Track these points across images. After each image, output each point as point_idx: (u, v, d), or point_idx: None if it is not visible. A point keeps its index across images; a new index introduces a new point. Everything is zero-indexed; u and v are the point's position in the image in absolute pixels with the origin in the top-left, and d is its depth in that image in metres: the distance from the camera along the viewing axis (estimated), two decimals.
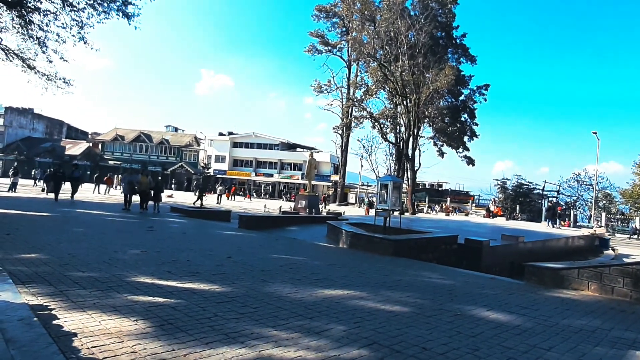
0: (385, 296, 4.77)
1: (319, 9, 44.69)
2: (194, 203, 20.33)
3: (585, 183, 41.25)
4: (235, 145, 56.93)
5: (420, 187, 46.62)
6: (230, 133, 58.35)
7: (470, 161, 39.60)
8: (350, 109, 42.99)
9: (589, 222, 31.11)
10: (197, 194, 23.66)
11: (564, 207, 32.71)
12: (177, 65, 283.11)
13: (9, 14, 15.53)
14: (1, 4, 15.06)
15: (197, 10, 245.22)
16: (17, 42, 16.42)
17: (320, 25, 45.62)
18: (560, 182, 41.82)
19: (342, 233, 10.38)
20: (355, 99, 41.00)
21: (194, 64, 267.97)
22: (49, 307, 3.30)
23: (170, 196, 30.32)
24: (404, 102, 31.82)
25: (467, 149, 39.41)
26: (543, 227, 23.91)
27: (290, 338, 3.06)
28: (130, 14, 16.35)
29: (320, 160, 46.42)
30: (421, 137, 36.47)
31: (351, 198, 50.39)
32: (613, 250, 16.80)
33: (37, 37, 16.21)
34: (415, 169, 33.98)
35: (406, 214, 28.17)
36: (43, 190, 21.33)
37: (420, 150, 35.31)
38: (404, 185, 31.04)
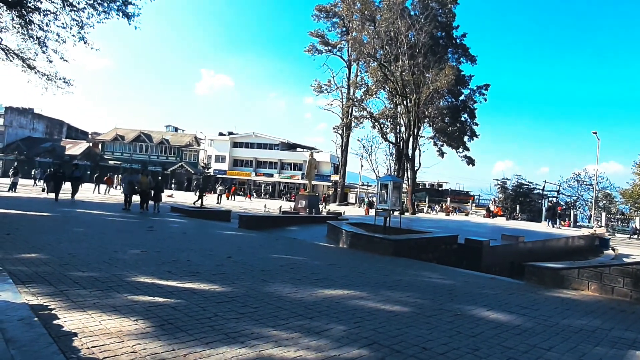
0: (385, 296, 4.77)
1: (319, 8, 44.69)
2: (194, 203, 20.34)
3: (585, 183, 41.28)
4: (236, 145, 56.94)
5: (420, 187, 46.62)
6: (231, 133, 58.36)
7: (471, 161, 39.61)
8: (350, 109, 42.99)
9: (589, 222, 31.11)
10: (197, 194, 23.66)
11: (564, 207, 32.71)
12: (177, 65, 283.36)
13: (9, 13, 15.54)
14: (1, 4, 15.06)
15: (197, 10, 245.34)
16: (17, 42, 16.44)
17: (321, 25, 45.69)
18: (561, 182, 41.86)
19: (342, 233, 10.38)
20: (355, 99, 41.00)
21: (194, 63, 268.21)
22: (49, 307, 3.30)
23: (171, 196, 30.33)
24: (404, 102, 31.82)
25: (467, 149, 39.45)
26: (543, 227, 23.91)
27: (290, 338, 3.06)
28: (130, 13, 16.37)
29: (320, 160, 46.42)
30: (421, 137, 36.53)
31: (351, 198, 50.40)
32: (613, 250, 16.79)
33: (37, 37, 16.22)
34: (416, 168, 33.98)
35: (406, 214, 28.17)
36: (43, 190, 21.32)
37: (420, 150, 35.36)
38: (404, 185, 31.04)
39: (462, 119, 39.08)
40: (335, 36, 45.84)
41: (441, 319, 3.92)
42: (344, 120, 44.26)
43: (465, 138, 39.17)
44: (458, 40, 37.84)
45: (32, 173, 34.74)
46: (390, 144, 37.60)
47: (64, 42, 16.57)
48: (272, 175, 55.18)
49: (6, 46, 16.38)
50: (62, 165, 29.14)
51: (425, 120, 35.65)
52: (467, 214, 35.94)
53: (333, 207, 34.69)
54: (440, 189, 50.46)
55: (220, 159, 56.40)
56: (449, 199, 43.01)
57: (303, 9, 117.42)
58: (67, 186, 18.26)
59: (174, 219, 13.97)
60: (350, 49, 43.34)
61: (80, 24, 16.13)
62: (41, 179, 27.78)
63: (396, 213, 11.97)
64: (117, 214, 13.63)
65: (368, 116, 38.71)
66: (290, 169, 54.86)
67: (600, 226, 26.50)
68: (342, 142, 46.84)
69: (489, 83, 42.28)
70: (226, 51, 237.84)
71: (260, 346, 2.84)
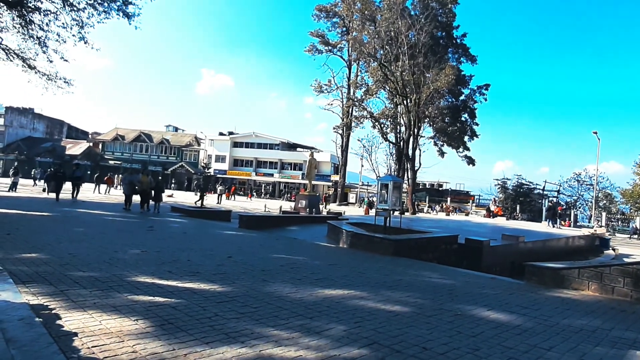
0: (385, 296, 4.77)
1: (319, 8, 44.69)
2: (195, 203, 20.33)
3: (585, 183, 41.25)
4: (236, 145, 56.96)
5: (420, 187, 46.64)
6: (231, 133, 58.37)
7: (471, 161, 39.63)
8: (350, 109, 42.99)
9: (589, 222, 31.11)
10: (198, 193, 23.66)
11: (565, 207, 32.71)
12: (178, 65, 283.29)
13: (9, 13, 15.55)
14: (2, 4, 15.07)
15: (198, 9, 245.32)
16: (18, 42, 16.46)
17: (321, 25, 45.68)
18: (561, 182, 41.85)
19: (342, 233, 10.38)
20: (355, 99, 41.00)
21: (195, 63, 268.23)
22: (49, 307, 3.30)
23: (171, 196, 30.34)
24: (404, 101, 31.82)
25: (468, 149, 39.47)
26: (543, 227, 23.91)
27: (290, 338, 3.06)
28: (130, 13, 16.39)
29: (320, 160, 46.40)
30: (421, 136, 36.53)
31: (351, 198, 50.40)
32: (613, 250, 16.80)
33: (37, 37, 16.23)
34: (416, 168, 33.98)
35: (406, 213, 28.16)
36: (44, 190, 21.34)
37: (420, 150, 35.37)
38: (404, 185, 31.03)
39: (463, 118, 39.11)
40: (335, 36, 45.92)
41: (441, 319, 3.92)
42: (344, 120, 44.26)
43: (466, 138, 39.19)
44: (458, 40, 37.86)
45: (32, 173, 34.74)
46: (391, 144, 37.63)
47: (64, 42, 16.60)
48: (272, 175, 55.19)
49: (6, 46, 16.40)
50: (63, 165, 29.16)
51: (426, 120, 35.66)
52: (467, 214, 35.94)
53: (333, 207, 34.70)
54: (440, 188, 50.47)
55: (220, 158, 56.41)
56: (449, 198, 43.01)
57: (303, 9, 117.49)
58: (67, 186, 18.27)
59: (174, 218, 13.97)
60: (350, 48, 43.34)
61: (80, 24, 16.15)
62: (41, 179, 27.80)
63: (396, 213, 11.97)
64: (118, 213, 13.64)
65: (368, 116, 38.72)
66: (291, 169, 54.86)
67: (601, 226, 26.50)
68: (343, 142, 46.84)
69: (489, 83, 42.30)
70: (226, 51, 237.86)
71: (260, 346, 2.84)
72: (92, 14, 16.07)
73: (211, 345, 2.79)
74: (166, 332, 2.97)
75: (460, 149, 39.13)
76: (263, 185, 55.67)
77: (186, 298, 3.93)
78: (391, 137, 37.96)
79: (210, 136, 58.52)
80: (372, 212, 21.09)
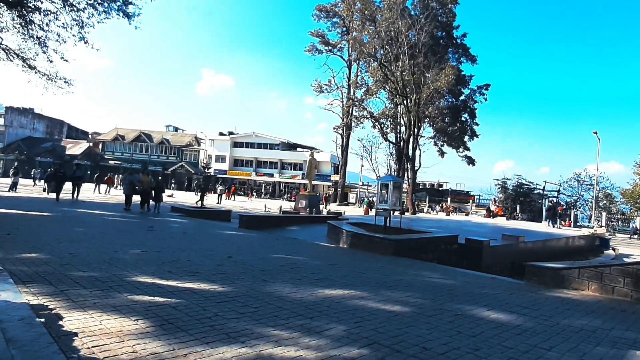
0: (385, 296, 4.77)
1: (319, 8, 44.69)
2: (196, 202, 20.29)
3: (585, 183, 41.25)
4: (236, 145, 56.96)
5: (420, 187, 46.63)
6: (231, 133, 58.37)
7: (471, 161, 39.64)
8: (350, 109, 42.99)
9: (589, 222, 31.10)
10: (199, 193, 23.65)
11: (565, 207, 32.71)
12: (178, 65, 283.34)
13: (9, 13, 15.55)
14: (2, 4, 15.07)
15: (198, 9, 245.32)
16: (18, 42, 16.47)
17: (321, 25, 45.69)
18: (561, 182, 41.84)
19: (342, 233, 10.38)
20: (355, 99, 41.01)
21: (195, 63, 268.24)
22: (49, 307, 3.30)
23: (171, 196, 30.35)
24: (405, 101, 31.82)
25: (468, 149, 39.49)
26: (543, 227, 23.90)
27: (290, 338, 3.06)
28: (130, 13, 16.39)
29: (320, 160, 46.39)
30: (421, 136, 36.55)
31: (351, 198, 50.40)
32: (613, 250, 16.80)
33: (37, 37, 16.23)
34: (416, 168, 33.98)
35: (406, 213, 28.16)
36: (44, 190, 21.35)
37: (420, 150, 35.38)
38: (405, 185, 31.03)
39: (463, 118, 39.12)
40: (335, 36, 45.93)
41: (441, 319, 3.92)
42: (344, 120, 44.26)
43: (466, 138, 39.20)
44: (458, 40, 37.88)
45: (32, 173, 34.74)
46: (391, 144, 37.63)
47: (65, 42, 16.61)
48: (272, 175, 55.19)
49: (7, 46, 16.40)
50: (63, 165, 29.16)
51: (426, 120, 35.66)
52: (467, 214, 35.93)
53: (333, 207, 34.69)
54: (440, 188, 50.46)
55: (220, 158, 56.41)
56: (449, 198, 43.00)
57: (303, 9, 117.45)
58: (67, 186, 18.26)
59: (174, 218, 13.97)
60: (350, 48, 43.35)
61: (80, 24, 16.15)
62: (41, 178, 27.81)
63: (396, 213, 11.96)
64: (118, 213, 13.64)
65: (368, 116, 38.73)
66: (291, 169, 54.86)
67: (601, 226, 26.50)
68: (343, 142, 46.84)
69: (489, 83, 42.33)
70: (227, 51, 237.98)
71: (260, 346, 2.84)
72: (92, 14, 16.09)
73: (211, 345, 2.79)
74: (166, 332, 2.97)
75: (461, 149, 39.14)
76: (263, 185, 55.67)
77: (186, 298, 3.93)
78: (391, 137, 38.02)
79: (210, 136, 58.53)
80: (372, 212, 21.09)
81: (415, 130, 32.96)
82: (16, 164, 32.27)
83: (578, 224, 29.66)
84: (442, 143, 39.93)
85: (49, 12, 15.82)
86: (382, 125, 37.44)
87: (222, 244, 8.78)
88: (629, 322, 4.40)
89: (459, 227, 18.72)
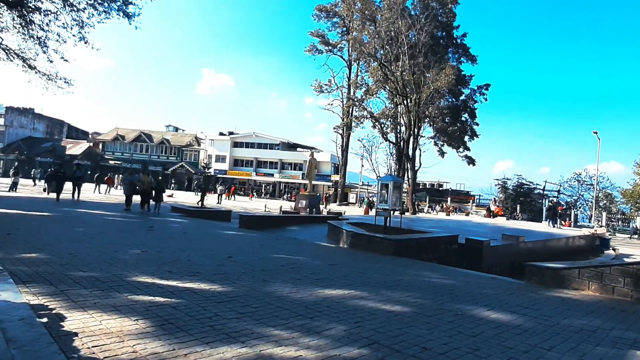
0: (385, 296, 4.77)
1: (319, 8, 44.68)
2: (197, 202, 20.25)
3: (585, 183, 41.23)
4: (236, 145, 56.95)
5: (420, 187, 46.62)
6: (231, 133, 58.37)
7: (471, 161, 39.64)
8: (350, 109, 42.99)
9: (589, 222, 31.08)
10: (199, 193, 23.62)
11: (565, 206, 32.70)
12: (178, 65, 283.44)
13: (9, 13, 15.56)
14: (2, 4, 15.08)
15: (198, 9, 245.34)
16: (18, 42, 16.48)
17: (321, 25, 45.69)
18: (561, 182, 41.83)
19: (342, 233, 10.37)
20: (355, 99, 41.00)
21: (195, 63, 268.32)
22: (49, 307, 3.30)
23: (171, 196, 30.35)
24: (405, 101, 31.81)
25: (468, 149, 39.48)
26: (544, 226, 23.89)
27: (290, 337, 3.06)
28: (130, 13, 16.40)
29: (320, 160, 46.40)
30: (422, 136, 36.53)
31: (352, 198, 50.40)
32: (614, 250, 16.80)
33: (37, 37, 16.24)
34: (416, 168, 33.97)
35: (407, 213, 28.16)
36: (44, 190, 21.35)
37: (420, 150, 35.36)
38: (405, 185, 31.03)
39: (463, 118, 39.12)
40: (335, 36, 45.92)
41: (442, 319, 3.92)
42: (345, 120, 44.26)
43: (466, 138, 39.20)
44: (458, 40, 37.87)
45: (32, 173, 34.75)
46: (391, 144, 37.60)
47: (65, 42, 16.62)
48: (272, 175, 55.19)
49: (7, 46, 16.41)
50: (63, 165, 29.16)
51: (426, 120, 35.65)
52: (467, 214, 35.93)
53: (333, 207, 34.70)
54: (440, 188, 50.45)
55: (220, 158, 56.41)
56: (449, 198, 42.99)
57: (303, 8, 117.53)
58: (67, 186, 18.26)
59: (175, 218, 13.97)
60: (350, 48, 43.34)
61: (80, 24, 16.16)
62: (41, 178, 27.83)
63: (397, 213, 11.96)
64: (118, 213, 13.64)
65: (368, 116, 38.72)
66: (291, 169, 54.85)
67: (601, 226, 26.49)
68: (343, 142, 46.84)
69: (490, 83, 42.28)
70: (227, 51, 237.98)
71: (260, 346, 2.84)
72: (92, 14, 16.10)
73: (211, 345, 2.79)
74: (166, 332, 2.97)
75: (461, 149, 39.14)
76: (263, 185, 55.67)
77: (186, 298, 3.93)
78: (391, 137, 37.99)
79: (211, 136, 58.52)
80: (372, 212, 21.08)
81: (416, 130, 32.95)
82: (16, 164, 32.29)
83: (578, 224, 29.64)
84: (442, 143, 39.93)
85: (49, 12, 15.84)
86: (382, 125, 37.44)
87: (222, 244, 8.78)
88: (629, 322, 4.40)
89: (459, 227, 18.72)
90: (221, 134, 58.90)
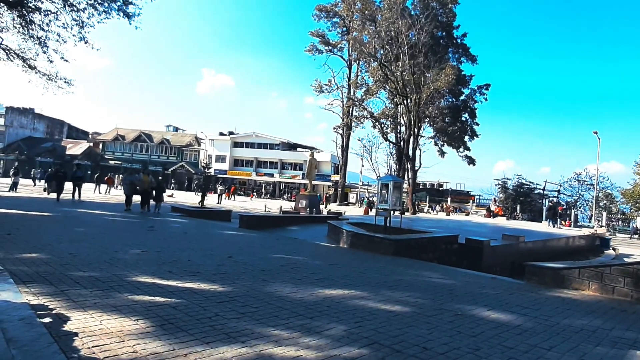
0: (385, 296, 4.77)
1: (319, 8, 44.69)
2: (199, 203, 20.19)
3: (586, 183, 41.18)
4: (236, 145, 56.95)
5: (420, 186, 46.61)
6: (231, 133, 58.36)
7: (471, 161, 39.65)
8: (350, 109, 42.99)
9: (589, 222, 31.07)
10: (200, 193, 23.60)
11: (565, 206, 32.68)
12: (178, 65, 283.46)
13: (9, 13, 15.57)
14: (2, 4, 15.09)
15: (198, 9, 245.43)
16: (18, 42, 16.49)
17: (321, 25, 45.70)
18: (561, 182, 41.80)
19: (342, 233, 10.38)
20: (355, 99, 41.00)
21: (195, 63, 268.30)
22: (50, 307, 3.31)
23: (171, 196, 30.36)
24: (405, 101, 31.81)
25: (468, 149, 39.49)
26: (544, 226, 23.89)
27: (291, 337, 3.06)
28: (130, 13, 16.41)
29: (320, 160, 46.40)
30: (422, 136, 36.54)
31: (352, 198, 50.39)
32: (614, 250, 16.79)
33: (37, 37, 16.25)
34: (416, 168, 33.98)
35: (407, 213, 28.16)
36: (45, 190, 21.35)
37: (420, 150, 35.37)
38: (405, 185, 31.02)
39: (463, 118, 39.13)
40: (335, 36, 45.93)
41: (442, 319, 3.92)
42: (345, 120, 44.26)
43: (466, 138, 39.21)
44: (458, 40, 37.88)
45: (32, 173, 34.74)
46: (391, 144, 37.59)
47: (65, 42, 16.63)
48: (272, 175, 55.19)
49: (7, 46, 16.42)
50: (63, 165, 29.17)
51: (426, 120, 35.66)
52: (467, 214, 35.92)
53: (333, 207, 34.69)
54: (440, 188, 50.44)
55: (220, 158, 56.40)
56: (449, 198, 42.98)
57: (303, 8, 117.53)
58: (67, 186, 18.26)
59: (175, 218, 13.98)
60: (350, 48, 43.34)
61: (80, 24, 16.17)
62: (41, 178, 27.83)
63: (397, 213, 11.96)
64: (118, 214, 13.64)
65: (368, 116, 38.72)
66: (291, 169, 54.85)
67: (601, 226, 26.48)
68: (343, 142, 46.83)
69: (490, 83, 42.30)
70: (227, 51, 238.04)
71: (260, 346, 2.84)
72: (93, 14, 16.11)
73: (211, 345, 2.79)
74: (166, 332, 2.97)
75: (461, 149, 39.15)
76: (263, 185, 55.67)
77: (186, 298, 3.93)
78: (391, 137, 37.98)
79: (211, 136, 58.51)
80: (372, 212, 21.07)
81: (416, 130, 32.95)
82: (16, 164, 32.30)
83: (578, 223, 29.62)
84: (442, 143, 39.94)
85: (49, 12, 15.85)
86: (382, 125, 37.44)
87: (222, 244, 8.78)
88: (629, 322, 4.40)
89: (459, 227, 18.72)
90: (221, 134, 58.89)
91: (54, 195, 17.19)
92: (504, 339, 3.44)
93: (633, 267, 5.61)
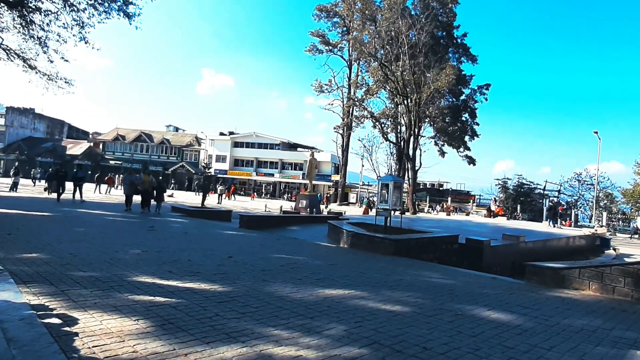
0: (386, 296, 4.77)
1: (319, 8, 44.69)
2: (201, 203, 20.12)
3: (586, 183, 41.12)
4: (236, 145, 56.96)
5: (421, 186, 46.61)
6: (231, 133, 58.37)
7: (471, 161, 39.66)
8: (351, 109, 42.98)
9: (590, 222, 31.05)
10: (200, 193, 23.59)
11: (565, 206, 32.65)
12: (178, 65, 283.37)
13: (10, 14, 15.58)
14: (2, 4, 15.09)
15: (198, 9, 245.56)
16: (18, 42, 16.50)
17: (321, 25, 45.69)
18: (562, 182, 41.77)
19: (343, 233, 10.38)
20: (356, 99, 41.00)
21: (195, 63, 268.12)
22: (50, 307, 3.31)
23: (171, 196, 30.37)
24: (405, 101, 31.81)
25: (468, 149, 39.50)
26: (544, 226, 23.88)
27: (291, 337, 3.07)
28: (131, 13, 16.41)
29: (321, 160, 46.40)
30: (422, 136, 36.54)
31: (352, 198, 50.38)
32: (614, 250, 16.79)
33: (38, 37, 16.26)
34: (416, 168, 33.97)
35: (407, 213, 28.15)
36: (45, 189, 21.37)
37: (421, 150, 35.37)
38: (405, 185, 31.02)
39: (463, 118, 39.13)
40: (335, 36, 45.92)
41: (442, 319, 3.92)
42: (345, 120, 44.26)
43: (466, 138, 39.22)
44: (459, 40, 37.88)
45: (32, 173, 34.74)
46: (391, 144, 37.59)
47: (65, 42, 16.64)
48: (272, 175, 55.19)
49: (7, 46, 16.44)
50: (64, 165, 29.19)
51: (426, 120, 35.66)
52: (468, 214, 35.91)
53: (334, 206, 34.69)
54: (441, 188, 50.43)
55: (221, 158, 56.41)
56: (449, 198, 42.95)
57: (303, 8, 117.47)
58: (67, 186, 18.26)
59: (175, 218, 13.98)
60: (350, 48, 43.31)
61: (81, 24, 16.18)
62: (42, 178, 27.86)
63: (397, 213, 11.96)
64: (118, 214, 13.65)
65: (369, 116, 38.72)
66: (291, 169, 54.85)
67: (601, 226, 26.46)
68: (343, 142, 46.81)
69: (490, 83, 42.21)
70: (227, 51, 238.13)
71: (261, 345, 2.84)
72: (93, 14, 16.12)
73: (212, 345, 2.79)
74: (167, 332, 2.97)
75: (461, 149, 39.16)
76: (264, 185, 55.68)
77: (187, 298, 3.94)
78: (392, 137, 37.97)
79: (211, 136, 58.51)
80: (372, 212, 21.05)
81: (416, 130, 32.94)
82: (17, 164, 32.29)
83: (579, 223, 29.60)
84: (442, 143, 39.94)
85: (49, 13, 15.86)
86: (383, 125, 37.43)
87: (222, 244, 8.79)
88: (630, 322, 4.39)
89: (459, 227, 18.72)
90: (221, 134, 58.90)
91: (54, 195, 17.19)
92: (504, 339, 3.44)
93: (633, 267, 5.61)
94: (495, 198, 39.84)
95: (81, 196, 17.72)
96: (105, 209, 14.96)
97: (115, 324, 3.04)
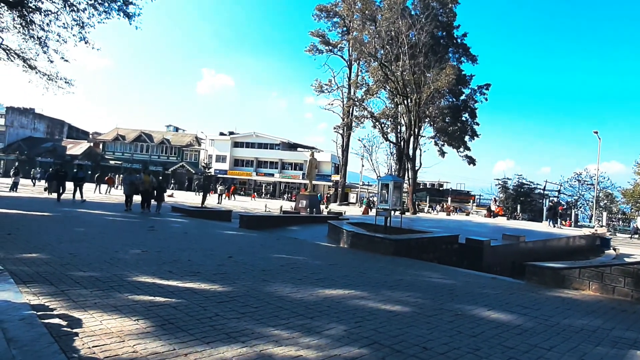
0: (386, 296, 4.77)
1: (319, 8, 44.68)
2: (201, 203, 20.09)
3: (586, 183, 41.11)
4: (236, 145, 56.96)
5: (421, 186, 46.60)
6: (231, 133, 58.36)
7: (471, 161, 39.66)
8: (351, 109, 42.97)
9: (590, 222, 31.05)
10: (200, 193, 23.59)
11: (565, 206, 32.65)
12: (178, 65, 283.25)
13: (10, 14, 15.58)
14: (2, 4, 15.10)
15: (198, 9, 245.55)
16: (18, 42, 16.51)
17: (321, 25, 45.68)
18: (562, 182, 41.76)
19: (343, 233, 10.38)
20: (356, 99, 40.99)
21: (195, 63, 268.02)
22: (50, 307, 3.31)
23: (171, 196, 30.37)
24: (405, 101, 31.81)
25: (468, 149, 39.50)
26: (544, 226, 23.87)
27: (291, 337, 3.07)
28: (131, 13, 16.41)
29: (321, 160, 46.39)
30: (422, 136, 36.53)
31: (352, 198, 50.37)
32: (614, 249, 16.79)
33: (38, 37, 16.26)
34: (416, 168, 33.97)
35: (407, 213, 28.15)
36: (45, 189, 21.37)
37: (421, 150, 35.37)
38: (405, 185, 31.02)
39: (463, 118, 39.14)
40: (336, 36, 45.91)
41: (442, 319, 3.92)
42: (345, 120, 44.25)
43: (466, 138, 39.22)
44: (459, 40, 37.88)
45: (32, 173, 34.73)
46: (391, 144, 37.57)
47: (65, 42, 16.64)
48: (273, 175, 55.18)
49: (7, 46, 16.44)
50: (64, 165, 29.19)
51: (426, 120, 35.65)
52: (468, 214, 35.91)
53: (334, 206, 34.67)
54: (441, 188, 50.42)
55: (221, 158, 56.40)
56: (449, 198, 42.95)
57: (303, 8, 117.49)
58: (67, 186, 18.26)
59: (175, 218, 13.98)
60: (351, 48, 43.30)
61: (81, 24, 16.18)
62: (42, 178, 27.85)
63: (397, 213, 11.96)
64: (118, 214, 13.65)
65: (369, 116, 38.71)
66: (291, 169, 54.84)
67: (602, 226, 26.46)
68: (343, 142, 46.79)
69: (490, 82, 42.20)
70: (227, 51, 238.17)
71: (261, 345, 2.84)
72: (93, 14, 16.11)
73: (212, 345, 2.79)
74: (167, 332, 2.97)
75: (461, 149, 39.16)
76: (264, 185, 55.68)
77: (187, 298, 3.94)
78: (392, 137, 37.95)
79: (211, 136, 58.49)
80: (372, 212, 21.06)
81: (416, 130, 32.94)
82: (17, 164, 32.31)
83: (579, 223, 29.59)
84: (442, 143, 39.94)
85: (49, 13, 15.86)
86: (383, 125, 37.42)
87: (222, 244, 8.79)
88: (630, 322, 4.39)
89: (459, 227, 18.72)
90: (221, 134, 58.88)
91: (54, 195, 17.19)
92: (504, 339, 3.44)
93: (633, 267, 5.61)
94: (495, 198, 39.83)
95: (82, 196, 17.71)
96: (105, 209, 14.96)
97: (115, 324, 3.04)
